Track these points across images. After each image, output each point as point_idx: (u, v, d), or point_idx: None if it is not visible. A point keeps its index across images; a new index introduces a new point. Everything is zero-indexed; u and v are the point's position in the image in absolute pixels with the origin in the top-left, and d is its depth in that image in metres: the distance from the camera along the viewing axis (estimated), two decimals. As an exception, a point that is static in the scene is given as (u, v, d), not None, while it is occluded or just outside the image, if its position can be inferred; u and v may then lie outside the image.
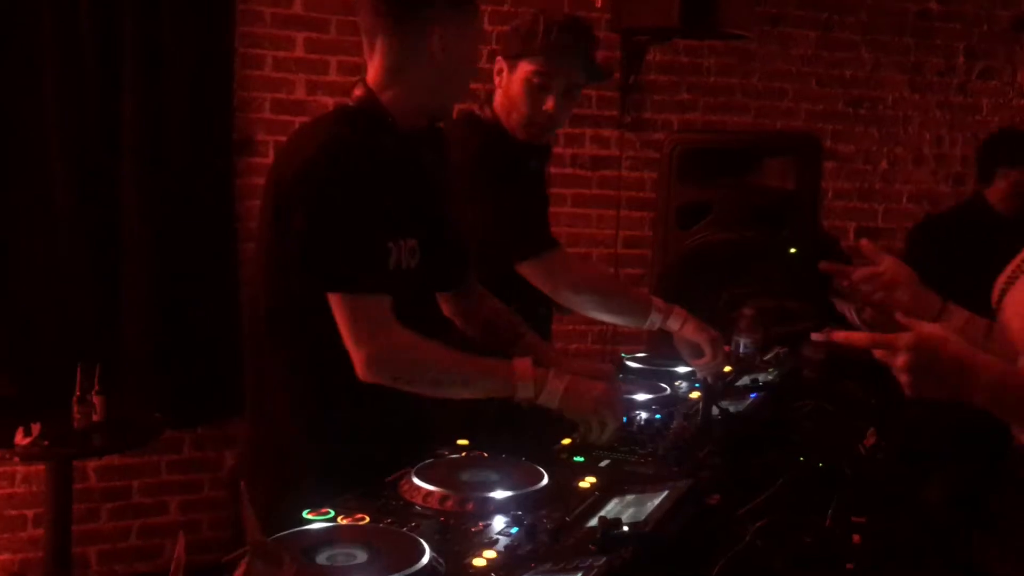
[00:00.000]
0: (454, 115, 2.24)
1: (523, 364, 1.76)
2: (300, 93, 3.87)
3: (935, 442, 2.89)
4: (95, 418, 3.14)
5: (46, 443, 2.98)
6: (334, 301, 1.68)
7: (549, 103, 2.29)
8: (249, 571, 1.08)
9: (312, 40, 3.86)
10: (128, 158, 3.50)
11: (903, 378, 1.41)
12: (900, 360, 1.40)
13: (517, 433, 1.79)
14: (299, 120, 3.77)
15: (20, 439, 2.96)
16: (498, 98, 2.35)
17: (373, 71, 1.82)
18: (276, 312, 1.77)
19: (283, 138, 3.46)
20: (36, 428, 2.98)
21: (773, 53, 4.44)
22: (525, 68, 2.28)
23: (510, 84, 2.31)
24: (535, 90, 2.28)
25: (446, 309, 2.10)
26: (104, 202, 3.50)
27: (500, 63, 2.34)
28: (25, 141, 3.38)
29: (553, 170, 4.23)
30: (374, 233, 1.71)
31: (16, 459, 3.27)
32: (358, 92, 1.82)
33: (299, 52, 3.86)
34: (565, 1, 4.16)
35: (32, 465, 3.46)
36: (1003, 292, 1.68)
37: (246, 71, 3.79)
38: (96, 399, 3.14)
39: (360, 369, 1.68)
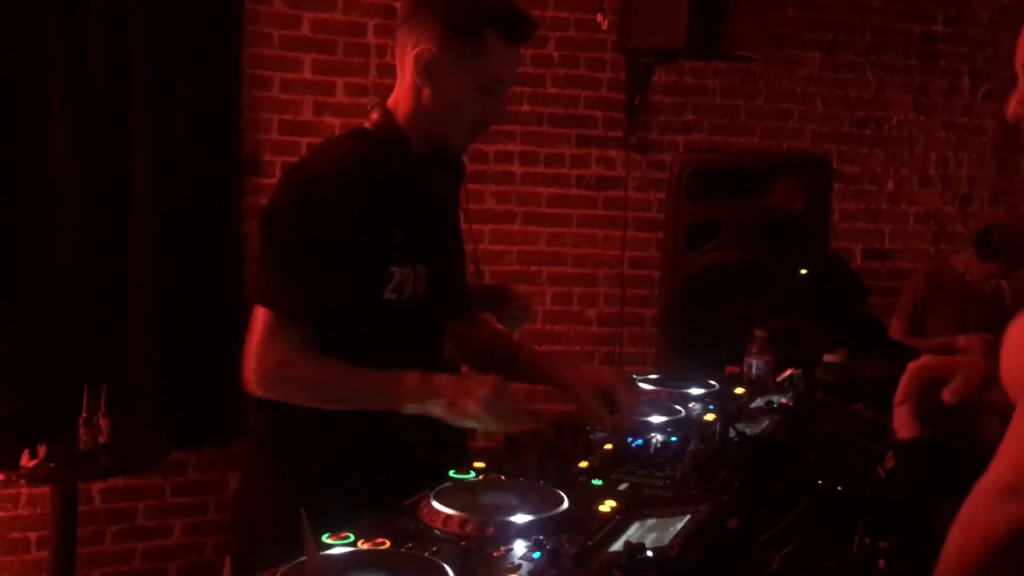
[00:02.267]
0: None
1: (411, 378, 1.70)
2: (307, 114, 3.88)
3: (950, 465, 2.87)
4: (101, 440, 3.12)
5: (52, 465, 2.96)
6: (255, 312, 1.69)
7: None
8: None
9: (319, 61, 3.87)
10: (136, 178, 3.51)
11: None
12: None
13: (527, 455, 1.77)
14: (306, 140, 3.78)
15: (26, 461, 2.94)
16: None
17: (396, 90, 1.82)
18: None
19: (290, 158, 3.49)
20: (42, 450, 2.95)
21: (778, 74, 4.45)
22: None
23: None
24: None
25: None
26: (112, 222, 3.51)
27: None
28: (34, 162, 3.38)
29: (559, 191, 4.27)
30: (324, 261, 1.68)
31: (22, 481, 3.25)
32: (375, 116, 1.81)
33: (307, 73, 3.87)
34: (571, 22, 4.18)
35: (37, 487, 3.44)
36: None
37: (254, 92, 3.80)
38: (102, 421, 3.13)
39: (250, 382, 1.69)
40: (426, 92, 1.75)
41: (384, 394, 1.70)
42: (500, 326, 2.23)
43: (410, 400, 1.69)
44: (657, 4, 3.60)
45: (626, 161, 4.29)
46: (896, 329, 4.21)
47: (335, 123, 3.84)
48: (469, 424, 1.73)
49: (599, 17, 4.01)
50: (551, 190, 4.24)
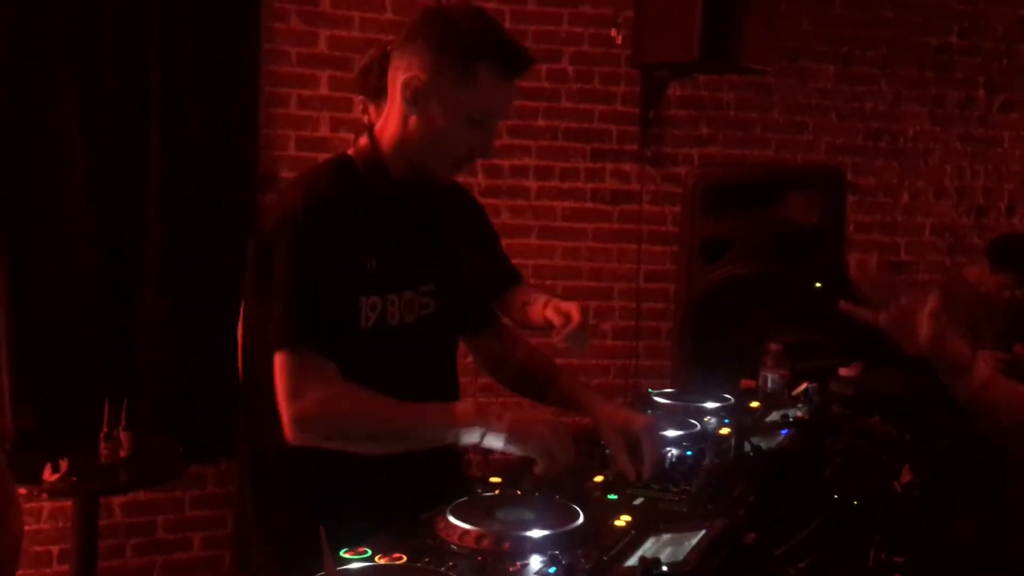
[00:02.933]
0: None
1: (464, 408, 1.67)
2: (324, 130, 3.91)
3: (964, 477, 2.86)
4: (122, 454, 3.15)
5: (74, 479, 2.99)
6: (275, 364, 1.64)
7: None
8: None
9: (336, 78, 3.91)
10: (152, 194, 3.54)
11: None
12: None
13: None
14: (322, 156, 3.80)
15: (48, 475, 2.97)
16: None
17: (384, 115, 1.79)
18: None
19: (308, 175, 3.51)
20: (64, 464, 2.99)
21: (793, 87, 4.46)
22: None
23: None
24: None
25: (477, 357, 2.07)
26: (128, 237, 3.54)
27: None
28: (52, 179, 3.42)
29: (574, 205, 4.28)
30: (321, 291, 1.66)
31: (44, 495, 3.28)
32: (362, 141, 1.80)
33: (323, 90, 3.91)
34: (585, 37, 4.20)
35: (59, 501, 3.47)
36: None
37: (271, 109, 3.84)
38: (123, 435, 3.16)
39: (288, 430, 1.61)
40: (413, 120, 1.72)
41: (438, 425, 1.66)
42: (562, 344, 2.22)
43: (466, 429, 1.65)
44: (671, 19, 3.62)
45: (641, 175, 4.31)
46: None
47: (351, 138, 3.85)
48: (525, 454, 1.70)
49: (613, 32, 4.03)
50: (566, 204, 4.26)
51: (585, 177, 4.27)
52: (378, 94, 2.16)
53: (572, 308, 2.26)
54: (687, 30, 3.55)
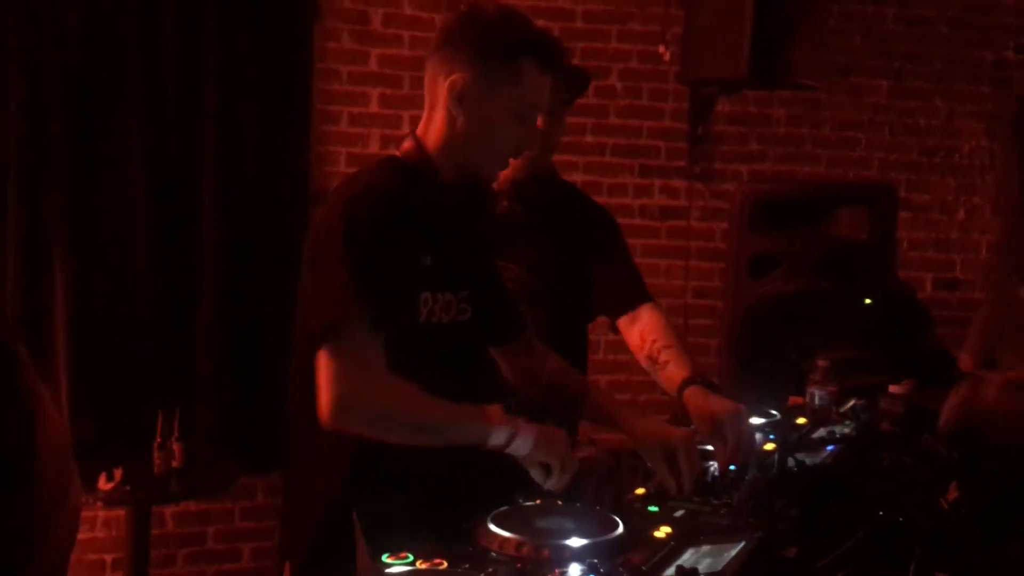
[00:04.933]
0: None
1: (496, 410, 1.70)
2: (374, 146, 3.97)
3: (1015, 497, 2.79)
4: (174, 464, 3.21)
5: (128, 488, 3.06)
6: (317, 360, 1.64)
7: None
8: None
9: (386, 96, 3.97)
10: (209, 209, 3.62)
11: None
12: None
13: (584, 481, 1.78)
14: (373, 173, 3.87)
15: (103, 484, 3.04)
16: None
17: (425, 120, 1.82)
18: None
19: (358, 191, 3.57)
20: (119, 473, 3.05)
21: (844, 102, 4.42)
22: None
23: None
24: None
25: (507, 369, 2.08)
26: (184, 252, 3.62)
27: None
28: (112, 197, 3.51)
29: (622, 221, 4.26)
30: (382, 278, 1.66)
31: (99, 503, 3.35)
32: (407, 145, 1.82)
33: (373, 107, 3.97)
34: (633, 54, 4.22)
35: (113, 510, 3.55)
36: None
37: (323, 127, 3.91)
38: (175, 446, 3.22)
39: (326, 414, 1.60)
40: (460, 120, 1.75)
41: (471, 424, 1.68)
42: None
43: (496, 430, 1.66)
44: (720, 35, 3.62)
45: (689, 191, 4.29)
46: (965, 363, 4.10)
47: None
48: (545, 462, 1.70)
49: (661, 48, 4.04)
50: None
51: (633, 193, 4.27)
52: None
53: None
54: (736, 46, 3.55)
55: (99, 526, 3.65)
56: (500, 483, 1.79)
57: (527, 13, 1.85)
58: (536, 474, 1.69)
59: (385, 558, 1.42)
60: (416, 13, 3.98)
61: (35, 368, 0.72)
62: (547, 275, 2.34)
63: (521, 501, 1.68)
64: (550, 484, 1.69)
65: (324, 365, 1.62)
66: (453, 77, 1.73)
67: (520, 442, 1.66)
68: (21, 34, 3.31)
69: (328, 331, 1.63)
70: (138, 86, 3.50)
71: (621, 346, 4.23)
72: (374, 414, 1.65)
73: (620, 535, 1.52)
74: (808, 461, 1.95)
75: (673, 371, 2.19)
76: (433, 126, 1.79)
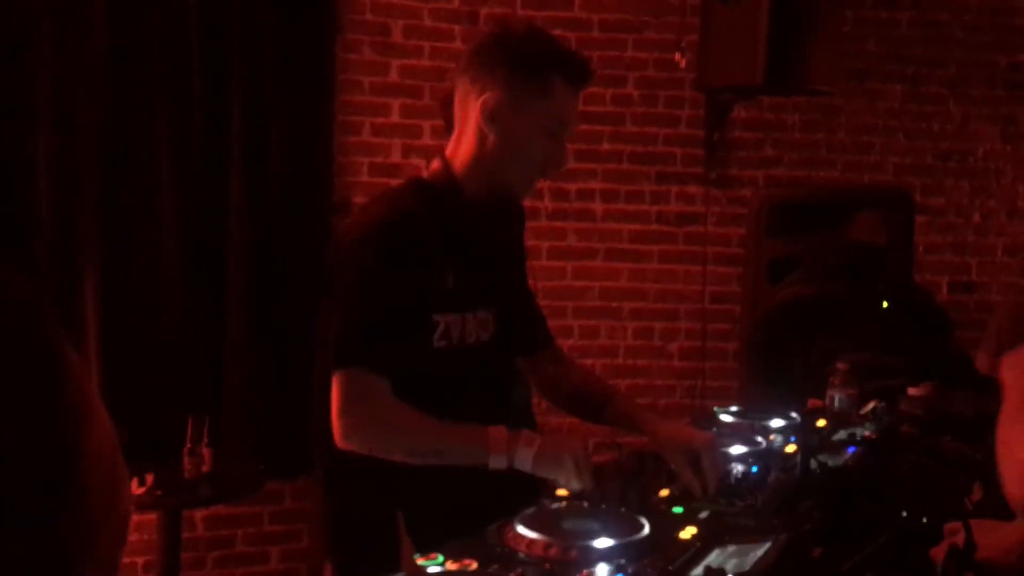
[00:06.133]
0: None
1: (497, 432, 1.74)
2: (396, 157, 4.03)
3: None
4: (204, 469, 3.27)
5: (159, 493, 3.12)
6: (333, 384, 1.75)
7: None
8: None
9: (407, 106, 4.03)
10: (235, 219, 3.69)
11: None
12: None
13: (609, 483, 1.82)
14: (394, 182, 3.91)
15: (135, 488, 3.10)
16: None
17: (455, 140, 1.86)
18: None
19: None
20: (150, 478, 3.12)
21: (859, 108, 4.45)
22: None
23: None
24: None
25: (533, 380, 2.11)
26: (210, 261, 3.69)
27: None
28: (140, 206, 3.58)
29: (640, 227, 4.33)
30: (391, 309, 1.74)
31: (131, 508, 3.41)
32: (434, 165, 1.86)
33: (395, 118, 4.03)
34: (649, 62, 4.26)
35: (144, 514, 3.61)
36: None
37: (345, 137, 3.97)
38: (205, 451, 3.28)
39: (336, 437, 1.75)
40: (491, 138, 1.78)
41: (469, 448, 1.74)
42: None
43: (495, 457, 1.72)
44: (735, 42, 3.65)
45: (706, 197, 4.33)
46: (981, 362, 4.11)
47: (422, 164, 3.96)
48: (550, 477, 1.76)
49: (677, 56, 4.07)
50: (632, 227, 4.31)
51: (650, 200, 4.31)
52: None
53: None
54: (751, 53, 3.58)
55: (131, 530, 3.70)
56: (529, 483, 1.84)
57: (544, 24, 1.91)
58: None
59: (416, 558, 1.46)
60: (436, 25, 4.04)
61: (83, 368, 0.68)
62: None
63: (547, 503, 1.72)
64: (569, 487, 1.74)
65: (335, 391, 1.74)
66: (485, 96, 1.77)
67: (520, 462, 1.73)
68: (51, 52, 3.38)
69: (338, 359, 1.75)
70: (164, 100, 3.57)
71: (640, 351, 4.30)
72: (375, 441, 1.77)
73: (647, 536, 1.56)
74: (830, 463, 1.98)
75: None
76: (463, 145, 1.83)
